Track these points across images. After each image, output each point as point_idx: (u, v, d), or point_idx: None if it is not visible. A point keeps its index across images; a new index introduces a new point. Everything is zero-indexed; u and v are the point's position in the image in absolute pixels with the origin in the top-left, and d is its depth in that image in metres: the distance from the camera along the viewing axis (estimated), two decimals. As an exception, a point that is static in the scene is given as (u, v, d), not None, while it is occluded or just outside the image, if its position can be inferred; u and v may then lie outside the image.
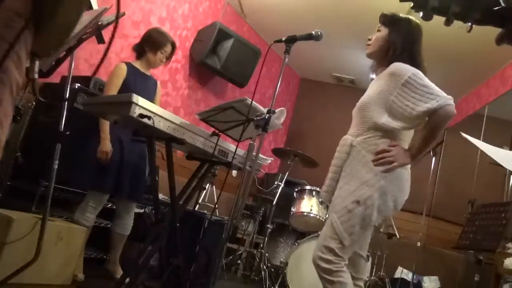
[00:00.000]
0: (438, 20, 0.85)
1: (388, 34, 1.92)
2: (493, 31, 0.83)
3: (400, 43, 1.89)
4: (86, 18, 1.52)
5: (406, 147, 1.88)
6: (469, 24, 0.83)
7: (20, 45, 0.88)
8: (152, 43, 2.85)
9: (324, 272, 1.73)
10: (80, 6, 0.99)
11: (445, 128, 1.92)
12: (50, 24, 0.94)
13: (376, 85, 1.91)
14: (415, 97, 1.75)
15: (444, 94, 1.74)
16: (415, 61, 1.87)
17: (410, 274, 4.53)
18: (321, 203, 3.86)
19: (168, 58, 2.95)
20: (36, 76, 1.02)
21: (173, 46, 2.92)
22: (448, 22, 0.83)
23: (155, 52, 2.86)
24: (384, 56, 1.93)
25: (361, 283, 1.93)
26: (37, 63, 1.01)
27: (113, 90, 2.70)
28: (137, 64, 2.89)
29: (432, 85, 1.77)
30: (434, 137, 1.76)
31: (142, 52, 2.89)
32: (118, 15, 0.99)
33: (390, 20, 1.94)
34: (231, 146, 2.43)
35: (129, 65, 2.82)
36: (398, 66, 1.83)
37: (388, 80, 1.83)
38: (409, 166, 1.87)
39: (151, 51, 2.86)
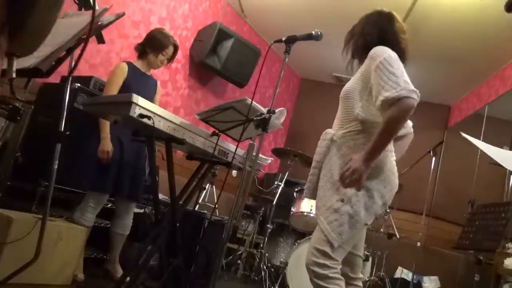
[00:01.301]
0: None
1: (346, 36, 1.98)
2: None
3: (360, 29, 1.90)
4: (86, 18, 1.52)
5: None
6: None
7: None
8: (154, 45, 2.85)
9: (319, 278, 1.61)
10: (56, 6, 0.97)
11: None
12: (27, 26, 0.92)
13: (359, 71, 1.84)
14: (380, 84, 1.63)
15: (408, 86, 1.58)
16: (387, 42, 1.78)
17: (410, 274, 4.53)
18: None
19: (170, 60, 2.95)
20: (14, 75, 1.01)
21: (175, 48, 2.92)
22: None
23: (157, 54, 2.86)
24: (359, 47, 1.91)
25: (359, 283, 1.87)
26: (14, 62, 1.00)
27: (113, 89, 2.70)
28: (138, 64, 2.89)
29: (400, 73, 1.62)
30: (389, 133, 1.61)
31: (144, 53, 2.89)
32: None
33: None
34: (231, 146, 2.43)
35: (130, 64, 2.82)
36: (376, 49, 1.73)
37: (367, 64, 1.75)
38: (394, 157, 1.78)
39: (153, 53, 2.86)
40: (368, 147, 1.63)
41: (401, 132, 1.91)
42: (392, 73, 1.62)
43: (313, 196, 1.85)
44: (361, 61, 1.89)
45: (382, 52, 1.69)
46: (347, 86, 1.85)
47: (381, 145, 1.62)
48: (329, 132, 1.85)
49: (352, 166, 1.63)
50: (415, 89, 1.59)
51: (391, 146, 1.79)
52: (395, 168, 1.78)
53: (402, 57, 1.77)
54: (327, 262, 1.62)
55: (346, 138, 1.76)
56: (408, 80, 1.62)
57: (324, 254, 1.63)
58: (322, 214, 1.70)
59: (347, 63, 2.00)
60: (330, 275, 1.61)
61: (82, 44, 1.24)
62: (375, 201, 1.69)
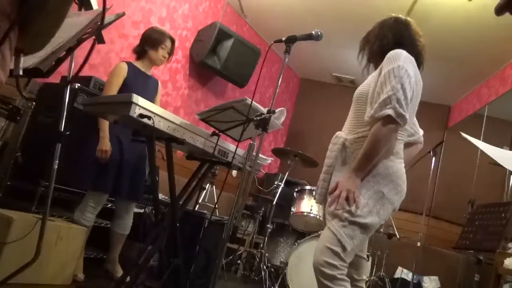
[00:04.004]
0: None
1: (361, 43, 1.95)
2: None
3: (375, 33, 1.87)
4: (86, 18, 1.52)
5: (401, 146, 1.77)
6: None
7: (5, 45, 0.88)
8: (151, 41, 2.86)
9: (326, 278, 1.59)
10: (67, 2, 0.98)
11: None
12: (37, 21, 0.93)
13: (375, 72, 1.79)
14: (378, 94, 1.63)
15: (393, 104, 1.57)
16: (404, 45, 1.76)
17: (410, 274, 4.53)
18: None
19: (170, 54, 2.96)
20: (20, 72, 1.01)
21: (172, 41, 2.94)
22: None
23: (156, 49, 2.87)
24: (375, 51, 1.87)
25: (363, 284, 1.88)
26: (21, 59, 1.01)
27: (113, 89, 2.70)
28: (138, 64, 2.89)
29: (397, 87, 1.59)
30: (373, 150, 1.61)
31: (143, 52, 2.89)
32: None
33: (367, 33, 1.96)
34: (231, 146, 2.43)
35: (130, 64, 2.82)
36: (394, 52, 1.69)
37: (382, 65, 1.72)
38: (402, 164, 1.76)
39: (152, 49, 2.87)
40: (355, 164, 1.65)
41: (411, 139, 1.90)
42: (392, 86, 1.60)
43: (325, 201, 1.81)
44: (377, 66, 1.85)
45: (398, 58, 1.66)
46: (360, 88, 1.82)
47: (367, 161, 1.63)
48: (341, 136, 1.81)
49: (343, 187, 1.63)
50: (404, 113, 1.58)
51: (402, 154, 1.77)
52: (405, 176, 1.76)
53: (418, 60, 1.76)
54: (337, 263, 1.61)
55: (360, 144, 1.71)
56: (407, 98, 1.60)
57: (336, 255, 1.61)
58: (334, 219, 1.66)
59: (363, 68, 1.96)
60: (338, 276, 1.60)
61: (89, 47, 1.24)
62: (387, 208, 1.69)
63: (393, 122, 1.59)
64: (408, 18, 1.90)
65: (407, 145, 1.88)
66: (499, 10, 0.76)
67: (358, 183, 1.65)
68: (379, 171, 1.68)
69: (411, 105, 1.67)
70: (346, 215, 1.63)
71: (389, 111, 1.58)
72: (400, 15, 1.91)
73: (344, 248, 1.61)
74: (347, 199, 1.63)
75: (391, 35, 1.83)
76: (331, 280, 1.59)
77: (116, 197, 2.85)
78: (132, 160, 2.78)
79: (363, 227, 1.64)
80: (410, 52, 1.72)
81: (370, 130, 1.67)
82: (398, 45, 1.76)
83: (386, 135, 1.61)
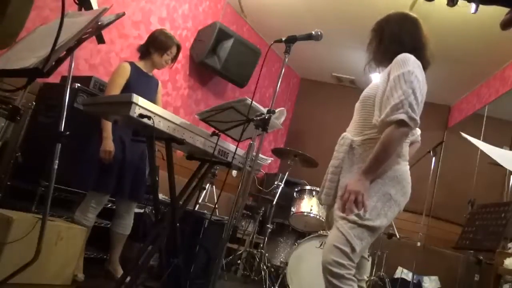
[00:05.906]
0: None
1: (373, 33, 1.93)
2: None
3: (391, 33, 1.84)
4: (86, 18, 1.52)
5: (407, 149, 1.80)
6: (474, 5, 0.74)
7: None
8: (158, 45, 2.85)
9: (335, 277, 1.61)
10: None
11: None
12: (2, 17, 0.93)
13: (383, 75, 1.79)
14: (387, 97, 1.66)
15: (405, 109, 1.60)
16: (417, 51, 1.76)
17: (410, 274, 4.53)
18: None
19: (173, 60, 2.95)
20: None
21: (178, 48, 2.93)
22: (451, 3, 0.74)
23: (161, 54, 2.86)
24: (389, 52, 1.83)
25: (363, 284, 1.90)
26: None
27: (116, 89, 2.69)
28: (140, 64, 2.89)
29: (409, 92, 1.62)
30: (385, 152, 1.63)
31: (147, 53, 2.88)
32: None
33: (374, 27, 1.94)
34: (231, 146, 2.43)
35: (132, 64, 2.81)
36: (403, 56, 1.71)
37: (390, 69, 1.73)
38: (408, 166, 1.78)
39: (157, 53, 2.86)
40: (365, 166, 1.67)
41: (409, 139, 1.90)
42: (404, 91, 1.62)
43: (331, 203, 1.81)
44: (380, 65, 1.86)
45: (407, 63, 1.68)
46: (368, 91, 1.83)
47: (378, 163, 1.65)
48: (347, 137, 1.81)
49: (352, 190, 1.65)
50: (416, 116, 1.61)
51: (407, 156, 1.80)
52: (410, 178, 1.79)
53: (424, 65, 1.77)
54: (345, 262, 1.62)
55: (367, 146, 1.74)
56: (418, 102, 1.63)
57: (344, 254, 1.63)
58: (343, 220, 1.67)
59: (366, 64, 1.94)
60: (346, 275, 1.61)
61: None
62: (394, 210, 1.71)
63: (406, 125, 1.62)
64: (420, 21, 1.88)
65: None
66: (505, 25, 0.76)
67: (367, 185, 1.67)
68: (387, 173, 1.71)
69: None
70: (355, 218, 1.64)
71: (402, 116, 1.60)
72: (413, 14, 1.89)
73: (353, 249, 1.63)
74: (355, 201, 1.64)
75: (408, 40, 1.81)
76: (339, 279, 1.61)
77: (118, 197, 2.84)
78: (134, 160, 2.78)
79: (372, 229, 1.66)
80: (419, 57, 1.73)
81: (378, 133, 1.70)
82: (413, 51, 1.75)
83: (399, 138, 1.64)
